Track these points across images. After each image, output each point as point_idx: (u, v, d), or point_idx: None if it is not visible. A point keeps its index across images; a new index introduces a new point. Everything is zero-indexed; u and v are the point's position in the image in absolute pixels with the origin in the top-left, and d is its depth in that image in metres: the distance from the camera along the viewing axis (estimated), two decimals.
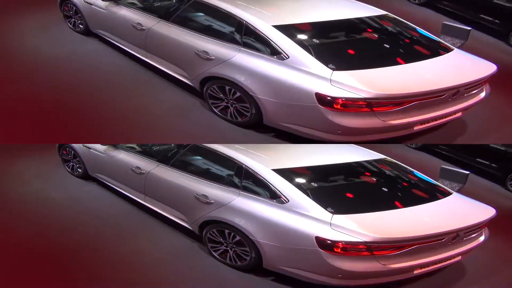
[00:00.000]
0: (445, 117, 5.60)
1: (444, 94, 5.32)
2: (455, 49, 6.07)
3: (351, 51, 5.52)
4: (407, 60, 5.49)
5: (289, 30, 5.52)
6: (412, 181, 6.00)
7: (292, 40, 5.41)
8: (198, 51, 5.87)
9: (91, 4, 7.22)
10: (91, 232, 6.20)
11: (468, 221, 5.27)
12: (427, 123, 5.48)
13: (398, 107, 5.11)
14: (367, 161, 6.06)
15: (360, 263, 4.82)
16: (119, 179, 6.92)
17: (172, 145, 6.37)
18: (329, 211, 4.93)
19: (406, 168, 6.23)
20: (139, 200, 6.63)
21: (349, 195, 5.47)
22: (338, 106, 5.00)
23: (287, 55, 5.32)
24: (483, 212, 5.55)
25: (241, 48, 5.62)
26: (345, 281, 4.97)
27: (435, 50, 5.87)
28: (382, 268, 4.85)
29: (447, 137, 6.38)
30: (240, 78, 5.53)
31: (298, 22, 5.66)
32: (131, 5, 6.76)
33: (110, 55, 7.23)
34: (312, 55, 5.27)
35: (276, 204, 5.16)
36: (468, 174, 7.21)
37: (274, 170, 5.35)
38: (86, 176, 7.52)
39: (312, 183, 5.40)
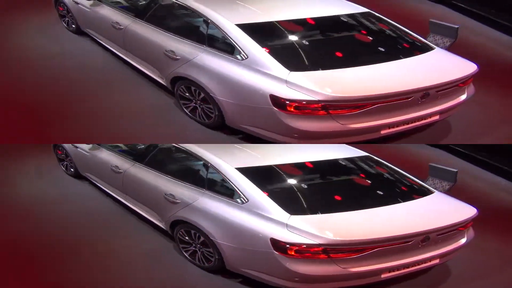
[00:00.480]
0: (418, 120, 5.29)
1: (410, 97, 5.02)
2: (437, 49, 5.75)
3: (315, 51, 5.28)
4: (376, 61, 5.22)
5: (252, 29, 5.34)
6: (391, 181, 5.71)
7: (254, 39, 5.22)
8: (166, 50, 5.76)
9: (78, 3, 7.22)
10: (71, 231, 6.18)
11: (439, 223, 4.95)
12: (397, 126, 5.19)
13: (357, 110, 4.85)
14: (344, 159, 5.79)
15: (318, 266, 4.61)
16: (103, 178, 6.92)
17: None
18: (288, 212, 4.73)
19: (390, 167, 5.92)
20: (121, 199, 6.59)
21: (315, 195, 5.22)
22: (292, 109, 4.79)
23: (247, 55, 5.15)
24: (461, 213, 5.22)
25: (205, 47, 5.48)
26: (303, 284, 4.75)
27: (412, 49, 5.57)
28: (342, 272, 4.62)
29: (437, 137, 6.15)
30: (202, 79, 5.39)
31: (264, 20, 5.46)
32: (112, 4, 6.71)
33: (96, 54, 7.20)
34: (272, 56, 5.06)
35: (236, 204, 5.02)
36: (456, 172, 6.87)
37: (239, 168, 5.18)
38: (78, 175, 7.53)
39: (277, 183, 5.21)
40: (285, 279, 4.78)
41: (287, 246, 4.60)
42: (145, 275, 5.43)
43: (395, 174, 5.82)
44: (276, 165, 5.37)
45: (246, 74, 5.08)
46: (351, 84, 4.88)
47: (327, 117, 4.82)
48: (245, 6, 5.73)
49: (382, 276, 4.84)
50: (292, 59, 5.08)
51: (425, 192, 5.52)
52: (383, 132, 5.13)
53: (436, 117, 5.44)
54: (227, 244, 5.04)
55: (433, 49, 5.71)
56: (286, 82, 4.86)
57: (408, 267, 4.96)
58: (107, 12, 6.70)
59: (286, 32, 5.41)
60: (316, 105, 4.75)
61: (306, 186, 5.30)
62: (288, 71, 4.92)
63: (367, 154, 6.06)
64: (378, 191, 5.50)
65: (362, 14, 5.97)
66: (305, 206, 4.95)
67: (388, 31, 5.85)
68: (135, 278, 5.39)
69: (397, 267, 4.87)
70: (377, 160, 6.00)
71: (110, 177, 6.66)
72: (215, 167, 5.32)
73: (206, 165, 5.41)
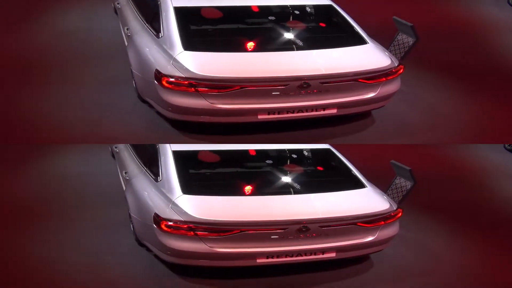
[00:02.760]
0: (307, 111, 5.40)
1: (286, 84, 5.18)
2: (369, 44, 5.74)
3: (223, 36, 5.65)
4: (277, 49, 5.50)
5: (185, 12, 5.72)
6: (319, 173, 5.92)
7: (179, 21, 5.60)
8: (126, 28, 6.49)
9: None
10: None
11: (320, 214, 5.07)
12: (278, 113, 5.36)
13: (224, 91, 5.16)
14: (289, 150, 6.03)
15: (187, 243, 4.96)
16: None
17: None
18: (183, 192, 5.12)
19: (338, 161, 5.95)
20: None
21: (224, 180, 5.62)
22: (165, 83, 5.23)
23: (163, 34, 5.63)
24: (363, 208, 5.26)
25: (146, 26, 6.03)
26: (175, 258, 5.12)
27: (334, 43, 5.66)
28: (209, 251, 4.96)
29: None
30: (130, 53, 6.02)
31: (202, 5, 5.85)
32: None
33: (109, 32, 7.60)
34: (181, 36, 5.44)
35: (153, 182, 5.52)
36: (410, 170, 6.72)
37: (174, 151, 5.58)
38: None
39: (202, 167, 5.66)
40: (162, 252, 5.19)
41: (161, 220, 5.01)
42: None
43: (334, 167, 5.93)
44: (214, 151, 5.79)
45: (154, 50, 5.56)
46: (221, 65, 5.19)
47: (196, 95, 5.19)
48: None
49: (258, 261, 5.07)
50: (196, 41, 5.48)
51: (351, 186, 5.58)
52: (260, 116, 5.35)
53: (334, 111, 5.47)
54: (136, 218, 5.57)
55: (366, 44, 5.72)
56: (173, 59, 5.31)
57: (291, 256, 5.11)
58: None
59: (215, 17, 5.78)
60: (183, 82, 5.16)
61: (224, 171, 5.73)
62: (182, 50, 5.35)
63: (327, 147, 6.10)
64: (291, 181, 5.68)
65: (313, 6, 6.16)
66: (204, 188, 5.32)
67: (324, 24, 6.01)
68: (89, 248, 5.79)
69: (276, 254, 5.07)
70: (328, 154, 6.05)
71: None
72: (158, 148, 5.75)
73: (155, 146, 5.86)
